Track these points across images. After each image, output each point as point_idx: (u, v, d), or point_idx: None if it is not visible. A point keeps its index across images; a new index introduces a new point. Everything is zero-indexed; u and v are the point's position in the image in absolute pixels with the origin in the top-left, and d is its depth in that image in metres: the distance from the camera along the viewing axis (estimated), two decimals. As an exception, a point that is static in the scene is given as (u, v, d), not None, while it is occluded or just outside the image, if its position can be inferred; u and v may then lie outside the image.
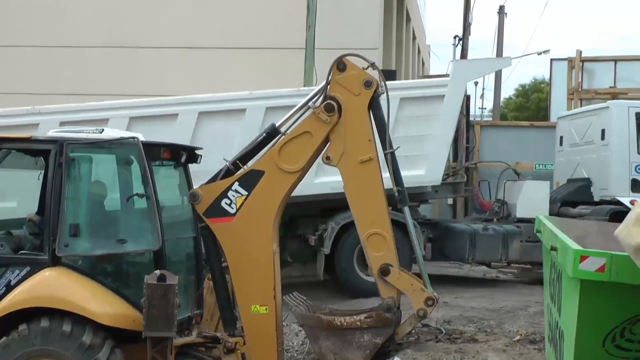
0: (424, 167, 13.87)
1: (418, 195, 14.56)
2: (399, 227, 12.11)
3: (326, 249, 13.74)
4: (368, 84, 7.86)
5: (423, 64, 42.30)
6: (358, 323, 7.65)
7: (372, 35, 21.52)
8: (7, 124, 13.37)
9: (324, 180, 12.96)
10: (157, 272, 7.33)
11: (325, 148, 7.96)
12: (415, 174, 13.58)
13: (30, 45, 22.52)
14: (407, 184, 13.19)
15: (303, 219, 14.62)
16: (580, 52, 22.89)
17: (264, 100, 13.71)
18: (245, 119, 13.56)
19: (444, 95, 13.91)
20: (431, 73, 43.57)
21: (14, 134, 8.27)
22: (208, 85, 18.79)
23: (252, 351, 7.97)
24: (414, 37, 34.68)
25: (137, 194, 7.86)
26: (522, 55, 54.25)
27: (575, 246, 6.05)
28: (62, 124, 13.05)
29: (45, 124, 13.12)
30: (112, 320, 7.49)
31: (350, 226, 13.34)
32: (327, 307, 8.49)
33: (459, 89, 14.22)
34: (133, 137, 7.79)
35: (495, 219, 15.94)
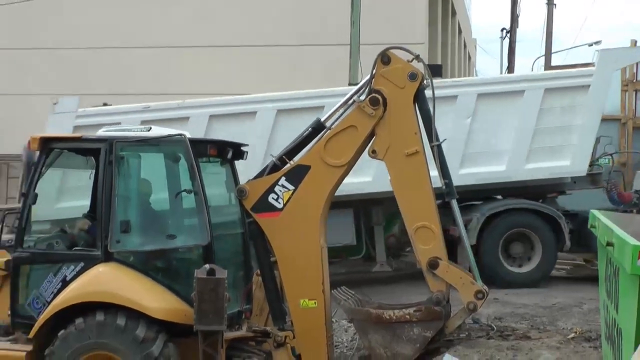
0: (568, 158, 13.88)
1: (556, 186, 14.64)
2: (544, 218, 13.15)
3: (471, 240, 13.73)
4: (413, 76, 8.03)
5: (469, 58, 42.27)
6: (407, 317, 7.82)
7: (417, 30, 21.71)
8: (158, 118, 13.65)
9: (469, 171, 13.41)
10: (207, 266, 7.60)
11: (371, 142, 8.14)
12: (560, 164, 13.78)
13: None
14: (552, 174, 13.77)
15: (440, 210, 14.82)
16: (635, 42, 22.70)
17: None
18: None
19: (589, 85, 14.03)
20: (477, 67, 43.47)
21: (65, 134, 8.59)
22: (254, 83, 19.10)
23: (302, 345, 8.21)
24: (460, 31, 34.72)
25: (185, 190, 8.16)
26: (572, 47, 53.75)
27: (634, 241, 6.07)
28: (212, 117, 13.66)
29: (195, 118, 13.69)
30: (164, 314, 7.79)
31: (495, 217, 13.77)
32: (375, 301, 8.67)
33: (605, 78, 14.25)
34: (180, 134, 8.07)
35: (634, 211, 15.77)
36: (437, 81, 15.46)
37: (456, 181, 12.96)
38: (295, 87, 15.54)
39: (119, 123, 13.27)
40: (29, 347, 8.08)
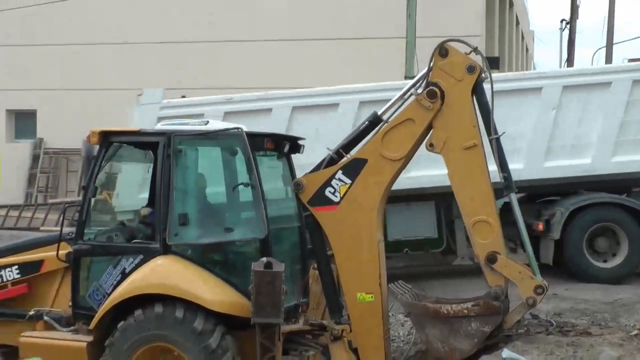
0: None
1: (637, 181, 14.49)
2: (631, 212, 13.26)
3: (555, 235, 13.73)
4: (471, 69, 7.98)
5: (527, 50, 41.83)
6: (465, 311, 7.77)
7: (474, 22, 21.55)
8: (241, 109, 13.88)
9: (554, 164, 13.33)
10: (264, 259, 7.66)
11: (429, 135, 8.12)
12: None
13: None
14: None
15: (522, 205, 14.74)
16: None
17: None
18: None
19: None
20: (535, 60, 42.98)
21: (125, 128, 8.72)
22: (310, 77, 19.13)
23: (359, 338, 8.22)
24: (517, 23, 34.38)
25: (242, 183, 8.23)
26: (635, 38, 52.82)
27: None
28: (295, 108, 13.72)
29: (278, 109, 13.79)
30: (221, 307, 7.87)
31: (579, 212, 13.59)
32: (433, 295, 8.65)
33: None
34: (237, 128, 8.14)
35: None
36: (519, 74, 15.45)
37: (540, 174, 13.13)
38: (351, 80, 15.54)
39: (202, 114, 13.46)
40: (90, 338, 8.24)
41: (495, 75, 13.12)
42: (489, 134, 8.05)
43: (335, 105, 13.85)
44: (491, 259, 7.87)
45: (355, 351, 8.25)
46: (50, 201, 21.38)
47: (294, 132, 11.36)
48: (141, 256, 8.19)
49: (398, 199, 11.64)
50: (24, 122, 23.58)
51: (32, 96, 22.83)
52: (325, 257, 8.43)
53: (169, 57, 22.81)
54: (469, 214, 8.00)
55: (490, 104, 8.08)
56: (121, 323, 7.93)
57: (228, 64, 22.61)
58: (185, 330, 7.74)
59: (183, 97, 14.83)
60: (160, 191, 8.17)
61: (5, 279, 9.04)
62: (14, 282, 9.07)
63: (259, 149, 8.38)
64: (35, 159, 23.95)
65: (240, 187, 8.28)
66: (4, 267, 9.09)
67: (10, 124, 23.61)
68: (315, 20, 22.38)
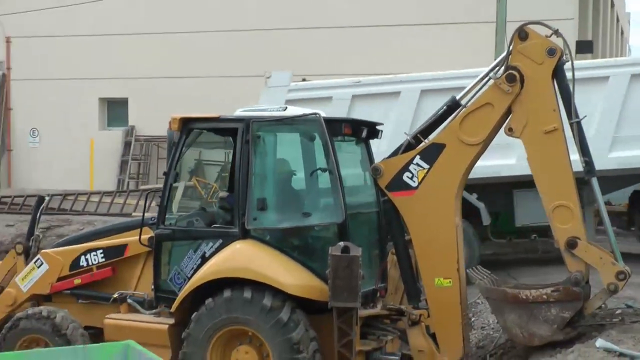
0: None
1: None
2: None
3: None
4: (551, 52, 7.86)
5: (622, 33, 40.78)
6: (544, 297, 7.68)
7: (566, 4, 21.13)
8: (369, 92, 13.85)
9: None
10: (341, 244, 7.73)
11: (508, 119, 8.04)
12: None
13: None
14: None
15: None
16: None
17: None
18: None
19: None
20: (630, 43, 41.85)
21: (204, 114, 8.88)
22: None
23: (436, 323, 8.23)
24: (612, 5, 33.54)
25: (320, 169, 8.32)
26: None
27: None
28: (424, 92, 13.53)
29: (406, 92, 13.64)
30: (299, 290, 7.98)
31: None
32: (513, 281, 8.59)
33: None
34: (315, 114, 8.21)
35: None
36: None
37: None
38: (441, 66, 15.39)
39: (330, 98, 13.54)
40: (171, 321, 8.49)
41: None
42: (569, 117, 7.94)
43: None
44: (571, 244, 7.76)
45: (433, 336, 8.27)
46: (142, 187, 21.86)
47: (424, 116, 10.82)
48: (220, 240, 8.36)
49: (525, 184, 11.52)
50: (116, 110, 24.17)
51: (124, 85, 23.37)
52: (403, 242, 8.46)
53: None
54: (549, 199, 7.90)
55: (571, 87, 7.95)
56: (194, 314, 8.12)
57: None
58: (255, 309, 7.89)
59: (304, 80, 14.71)
60: (239, 176, 8.32)
61: (90, 263, 9.41)
62: (99, 266, 9.42)
63: (337, 134, 8.43)
64: (126, 146, 24.51)
65: (318, 172, 8.37)
66: (90, 251, 9.44)
67: (103, 112, 24.24)
68: (406, 4, 22.21)
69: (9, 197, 20.51)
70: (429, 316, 8.27)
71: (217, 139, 9.19)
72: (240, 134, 8.35)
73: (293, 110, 8.50)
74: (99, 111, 23.76)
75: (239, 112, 8.77)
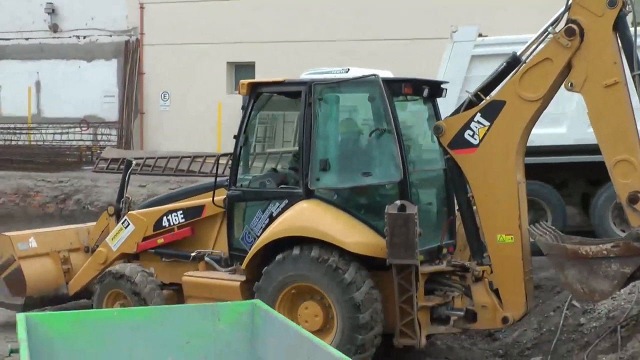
0: None
1: None
2: None
3: None
4: (612, 3, 7.64)
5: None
6: (604, 252, 7.56)
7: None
8: None
9: None
10: (398, 202, 7.88)
11: (569, 74, 7.93)
12: None
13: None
14: None
15: None
16: None
17: None
18: None
19: None
20: None
21: (271, 79, 9.17)
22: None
23: (499, 279, 8.29)
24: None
25: (379, 129, 8.45)
26: None
27: None
28: None
29: None
30: (360, 248, 8.19)
31: None
32: (577, 237, 8.48)
33: None
34: (373, 75, 8.34)
35: None
36: None
37: None
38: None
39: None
40: (243, 278, 8.86)
41: None
42: (631, 69, 7.74)
43: None
44: (633, 199, 7.60)
45: (496, 292, 8.34)
46: (268, 151, 22.40)
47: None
48: (286, 201, 8.67)
49: None
50: (243, 73, 24.72)
51: (251, 49, 23.85)
52: (466, 200, 8.51)
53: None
54: (610, 153, 7.74)
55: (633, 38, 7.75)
56: (265, 268, 8.46)
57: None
58: (321, 269, 8.14)
59: (480, 35, 13.79)
60: (302, 138, 8.58)
61: (172, 223, 9.94)
62: (180, 226, 9.95)
63: (397, 94, 8.53)
64: (253, 109, 24.95)
65: (378, 132, 8.49)
66: (171, 212, 9.98)
67: (230, 76, 24.82)
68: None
69: (141, 159, 21.37)
70: (492, 272, 8.32)
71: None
72: (303, 97, 8.57)
73: (355, 72, 8.64)
74: (227, 75, 24.36)
75: (304, 75, 9.00)
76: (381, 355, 8.63)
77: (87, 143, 23.84)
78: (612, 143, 7.77)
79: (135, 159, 21.49)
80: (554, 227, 8.60)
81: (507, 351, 9.24)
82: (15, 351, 4.78)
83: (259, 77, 8.95)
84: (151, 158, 21.39)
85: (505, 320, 8.26)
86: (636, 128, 7.75)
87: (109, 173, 20.72)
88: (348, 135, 8.85)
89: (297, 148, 9.29)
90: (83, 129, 24.20)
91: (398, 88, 8.49)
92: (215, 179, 9.27)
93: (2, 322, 10.52)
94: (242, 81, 9.00)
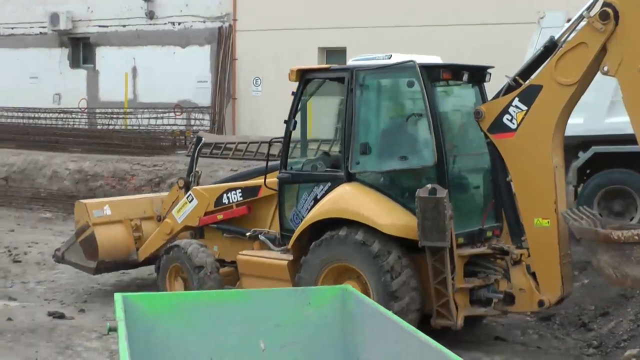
0: None
1: None
2: None
3: None
4: None
5: None
6: (637, 237, 7.60)
7: None
8: None
9: None
10: (429, 186, 8.21)
11: (603, 58, 8.06)
12: None
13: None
14: None
15: None
16: None
17: None
18: None
19: None
20: None
21: (318, 65, 9.61)
22: None
23: (536, 263, 8.51)
24: None
25: (416, 114, 8.79)
26: None
27: None
28: None
29: None
30: (396, 230, 8.57)
31: None
32: (618, 222, 8.59)
33: None
34: (411, 61, 8.66)
35: None
36: None
37: None
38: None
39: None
40: (291, 257, 9.36)
41: None
42: None
43: None
44: None
45: (533, 275, 8.55)
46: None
47: None
48: (329, 183, 9.13)
49: None
50: (334, 59, 25.03)
51: (343, 34, 24.15)
52: (505, 184, 8.75)
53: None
54: None
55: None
56: (313, 243, 8.92)
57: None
58: (363, 252, 8.54)
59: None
60: (344, 122, 9.00)
61: (231, 201, 10.55)
62: (238, 204, 10.54)
63: (435, 79, 8.82)
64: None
65: (416, 116, 8.83)
66: (231, 190, 10.62)
67: (322, 61, 25.14)
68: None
69: (233, 143, 21.98)
70: (529, 256, 8.55)
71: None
72: (346, 83, 9.00)
73: (398, 58, 8.97)
74: (318, 60, 24.75)
75: (350, 62, 9.40)
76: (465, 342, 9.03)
77: (181, 128, 24.58)
78: None
79: (228, 143, 22.28)
80: (594, 212, 8.72)
81: (601, 342, 9.30)
82: (113, 329, 4.93)
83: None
84: (243, 143, 21.91)
85: (541, 303, 8.48)
86: None
87: (202, 157, 21.36)
88: (387, 120, 9.24)
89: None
90: (177, 114, 24.96)
91: (436, 73, 8.78)
92: (267, 163, 9.80)
93: (99, 302, 11.23)
94: (291, 68, 9.48)
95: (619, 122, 8.06)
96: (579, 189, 12.59)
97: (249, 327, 5.64)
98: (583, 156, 12.32)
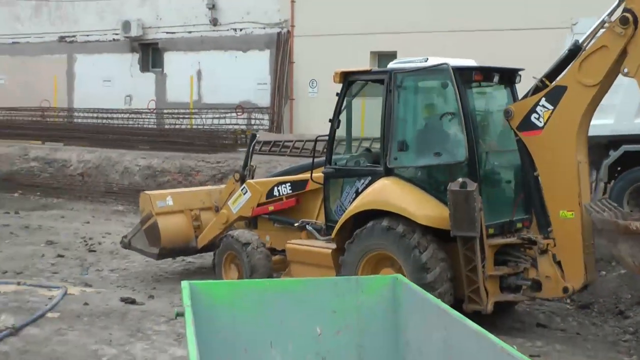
0: None
1: None
2: None
3: None
4: None
5: None
6: None
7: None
8: None
9: None
10: (460, 179, 8.41)
11: (624, 61, 8.16)
12: None
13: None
14: None
15: None
16: None
17: None
18: None
19: None
20: None
21: (360, 68, 9.87)
22: None
23: (561, 252, 8.66)
24: None
25: (449, 113, 8.99)
26: None
27: None
28: None
29: None
30: (429, 221, 8.78)
31: None
32: (638, 214, 8.66)
33: None
34: (445, 64, 8.86)
35: None
36: None
37: None
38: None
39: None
40: (334, 246, 9.62)
41: None
42: None
43: None
44: None
45: (559, 264, 8.69)
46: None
47: None
48: (369, 178, 9.39)
49: None
50: (385, 62, 25.06)
51: (394, 39, 24.26)
52: (533, 178, 8.89)
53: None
54: None
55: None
56: (356, 231, 9.18)
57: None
58: (403, 244, 8.75)
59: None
60: (384, 121, 9.23)
61: (281, 193, 10.89)
62: (287, 197, 10.88)
63: (468, 81, 9.02)
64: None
65: (449, 116, 9.03)
66: (281, 183, 10.96)
67: (373, 64, 25.22)
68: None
69: (291, 141, 22.29)
70: (555, 245, 8.70)
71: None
72: (385, 84, 9.25)
73: (433, 61, 9.17)
74: (370, 63, 24.92)
75: (391, 65, 9.63)
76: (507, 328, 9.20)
77: (242, 127, 24.93)
78: None
79: (285, 142, 22.56)
80: (615, 205, 8.83)
81: (637, 329, 9.39)
82: (180, 315, 5.02)
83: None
84: (299, 141, 22.17)
85: (565, 290, 8.63)
86: None
87: (261, 154, 21.69)
88: (423, 118, 9.45)
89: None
90: (238, 114, 25.35)
91: (469, 75, 8.98)
92: (313, 159, 10.09)
93: (166, 289, 11.55)
94: (335, 70, 9.76)
95: None
96: (610, 185, 12.66)
97: (307, 314, 5.72)
98: (613, 154, 12.41)
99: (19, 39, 30.95)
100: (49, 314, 9.40)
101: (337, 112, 9.80)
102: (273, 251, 10.82)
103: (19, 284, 11.10)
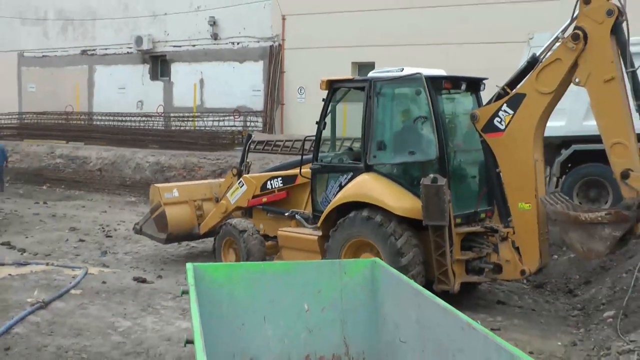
0: None
1: None
2: None
3: None
4: (610, 12, 7.81)
5: None
6: (599, 218, 7.72)
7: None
8: None
9: None
10: (431, 175, 8.34)
11: (575, 72, 8.13)
12: None
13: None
14: None
15: None
16: None
17: None
18: None
19: None
20: None
21: (343, 77, 9.78)
22: None
23: (519, 239, 8.60)
24: None
25: (422, 117, 8.90)
26: None
27: None
28: None
29: None
30: (404, 211, 8.70)
31: None
32: (586, 206, 8.64)
33: None
34: (418, 73, 8.78)
35: None
36: None
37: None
38: None
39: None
40: (320, 233, 9.54)
41: None
42: (626, 67, 7.88)
43: None
44: (624, 175, 7.78)
45: (517, 249, 8.64)
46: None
47: None
48: (351, 173, 9.29)
49: None
50: (365, 72, 25.09)
51: (372, 51, 24.15)
52: (495, 174, 8.83)
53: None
54: (607, 137, 7.92)
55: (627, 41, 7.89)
56: (339, 220, 9.09)
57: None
58: (380, 232, 8.67)
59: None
60: (364, 123, 9.14)
61: (273, 187, 10.79)
62: (279, 190, 10.77)
63: (438, 89, 8.93)
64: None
65: (422, 119, 8.95)
66: (274, 178, 10.85)
67: (354, 73, 25.17)
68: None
69: (282, 141, 22.26)
70: (514, 233, 8.64)
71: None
72: (365, 91, 9.15)
73: (408, 71, 9.09)
74: (352, 73, 24.88)
75: (370, 74, 9.54)
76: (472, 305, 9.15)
77: (239, 128, 24.91)
78: (609, 129, 7.93)
79: (277, 141, 22.45)
80: (567, 197, 8.78)
81: (584, 306, 9.37)
82: (185, 292, 5.04)
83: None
84: (289, 140, 22.12)
85: (522, 272, 8.58)
86: (630, 116, 7.90)
87: (256, 152, 21.64)
88: (399, 121, 9.34)
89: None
90: (236, 117, 25.28)
91: (439, 84, 8.90)
92: (302, 156, 10.00)
93: (173, 270, 11.53)
94: (322, 79, 9.65)
95: (594, 125, 8.11)
96: (562, 180, 12.68)
97: (296, 293, 5.75)
98: (565, 153, 12.43)
99: (47, 53, 31.16)
100: (73, 291, 9.45)
101: (323, 115, 9.70)
102: (266, 237, 10.73)
103: (47, 264, 11.13)
